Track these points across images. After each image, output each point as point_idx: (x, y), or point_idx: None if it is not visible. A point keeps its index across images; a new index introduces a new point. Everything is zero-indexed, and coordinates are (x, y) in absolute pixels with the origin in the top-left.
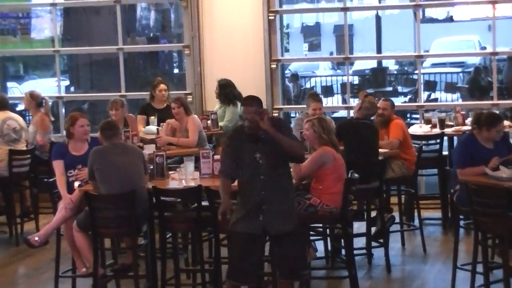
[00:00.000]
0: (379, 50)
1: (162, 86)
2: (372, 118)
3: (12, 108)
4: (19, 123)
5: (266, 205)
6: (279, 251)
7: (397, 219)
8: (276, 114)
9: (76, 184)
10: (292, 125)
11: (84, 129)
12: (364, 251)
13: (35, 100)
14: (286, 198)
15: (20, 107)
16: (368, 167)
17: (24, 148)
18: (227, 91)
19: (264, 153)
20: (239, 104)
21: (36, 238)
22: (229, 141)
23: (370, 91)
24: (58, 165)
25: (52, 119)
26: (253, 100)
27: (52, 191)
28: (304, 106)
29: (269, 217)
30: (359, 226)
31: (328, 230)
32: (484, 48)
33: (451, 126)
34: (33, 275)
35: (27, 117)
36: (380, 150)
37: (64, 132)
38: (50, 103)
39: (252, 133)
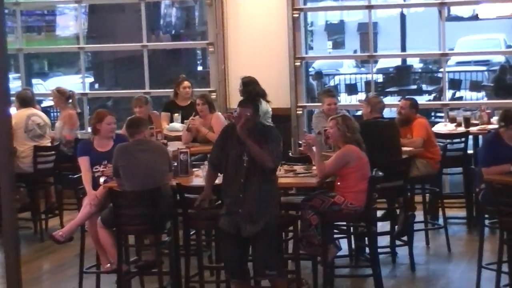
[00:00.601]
0: (403, 48)
1: (186, 83)
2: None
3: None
4: (43, 118)
5: (242, 208)
6: (252, 250)
7: (422, 218)
8: (300, 112)
9: (102, 179)
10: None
11: (111, 126)
12: (388, 249)
13: (63, 96)
14: (262, 203)
15: (45, 103)
16: (391, 165)
17: (49, 144)
18: (250, 89)
19: (249, 156)
20: (263, 101)
21: (61, 234)
22: (222, 134)
23: (394, 89)
24: (83, 162)
25: (79, 110)
26: (247, 102)
27: (77, 188)
28: None
29: (243, 219)
30: (383, 225)
31: (352, 228)
32: (510, 46)
33: (476, 124)
34: (57, 271)
35: (52, 114)
36: (404, 148)
37: (89, 129)
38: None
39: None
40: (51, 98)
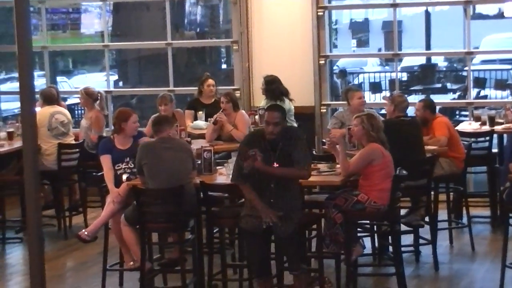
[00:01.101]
0: (428, 46)
1: (210, 81)
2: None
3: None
4: (67, 116)
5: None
6: (284, 246)
7: (445, 217)
8: (324, 110)
9: (124, 177)
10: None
11: (136, 125)
12: (411, 248)
13: (91, 97)
14: (293, 205)
15: (70, 101)
16: (415, 164)
17: (73, 142)
18: (273, 87)
19: (281, 162)
20: (286, 100)
21: (86, 233)
22: (247, 147)
23: (418, 88)
24: (105, 160)
25: (106, 113)
26: (277, 108)
27: (100, 185)
28: None
29: (277, 221)
30: None
31: (375, 227)
32: None
33: (501, 123)
34: (81, 268)
35: (76, 111)
36: (428, 147)
37: (112, 127)
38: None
39: (272, 139)
40: (76, 96)
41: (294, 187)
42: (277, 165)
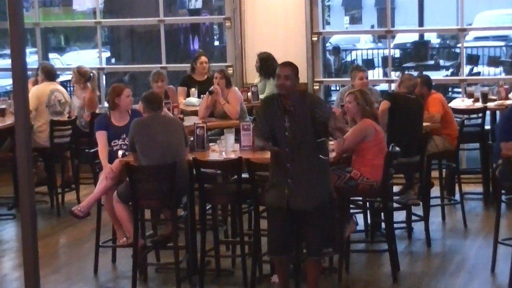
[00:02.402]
0: (421, 23)
1: (203, 58)
2: None
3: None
4: (65, 96)
5: (291, 179)
6: (303, 228)
7: (438, 194)
8: (317, 88)
9: (120, 153)
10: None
11: (130, 99)
12: (404, 225)
13: (83, 77)
14: (312, 175)
15: (62, 78)
16: (410, 141)
17: (65, 119)
18: (267, 65)
19: (290, 125)
20: None
21: (80, 209)
22: (262, 108)
23: (411, 64)
24: (101, 136)
25: (98, 93)
26: (289, 64)
27: (93, 162)
28: (346, 79)
29: (293, 191)
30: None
31: (368, 203)
32: None
33: (494, 100)
34: (74, 245)
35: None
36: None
37: (106, 104)
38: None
39: (283, 94)
40: (68, 73)
41: (314, 159)
42: (289, 128)
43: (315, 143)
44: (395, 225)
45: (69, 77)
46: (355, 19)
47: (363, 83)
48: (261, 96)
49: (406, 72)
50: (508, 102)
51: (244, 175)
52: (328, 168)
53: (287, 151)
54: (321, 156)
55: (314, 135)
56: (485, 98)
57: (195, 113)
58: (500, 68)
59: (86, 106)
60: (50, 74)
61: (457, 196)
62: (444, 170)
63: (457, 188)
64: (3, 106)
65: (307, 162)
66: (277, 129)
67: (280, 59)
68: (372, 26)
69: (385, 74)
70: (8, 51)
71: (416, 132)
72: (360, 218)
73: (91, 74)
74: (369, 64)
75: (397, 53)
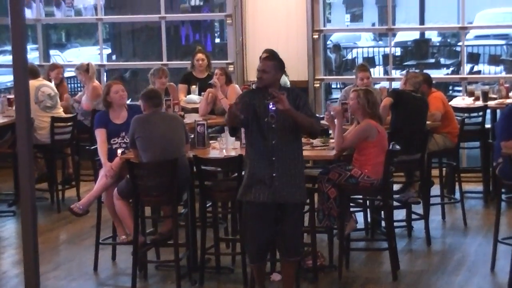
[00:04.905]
0: (422, 21)
1: (200, 55)
2: None
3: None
4: (53, 89)
5: (277, 172)
6: (282, 227)
7: (438, 192)
8: (317, 85)
9: (119, 151)
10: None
11: (119, 94)
12: (404, 223)
13: (82, 69)
14: (296, 170)
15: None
16: (411, 138)
17: (64, 115)
18: None
19: (278, 116)
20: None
21: (79, 206)
22: (249, 93)
23: (412, 63)
24: (100, 133)
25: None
26: (271, 58)
27: (94, 159)
28: (347, 77)
29: (278, 186)
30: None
31: (368, 201)
32: None
33: (495, 98)
34: (74, 241)
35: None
36: None
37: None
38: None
39: (260, 87)
40: (69, 70)
41: (297, 151)
42: (274, 120)
43: (299, 137)
44: (395, 223)
45: (70, 74)
46: (356, 17)
47: (363, 84)
48: None
49: (411, 70)
50: (508, 100)
51: None
52: (304, 165)
53: (274, 144)
54: (300, 150)
55: (297, 130)
56: (485, 96)
57: (195, 110)
58: (501, 67)
59: (90, 96)
60: (32, 71)
61: (457, 195)
62: (444, 168)
63: (457, 187)
64: (11, 96)
65: (293, 156)
66: (262, 119)
67: (281, 56)
68: (373, 24)
69: (385, 72)
70: (9, 47)
71: (418, 130)
72: (360, 216)
73: (87, 65)
74: (370, 62)
75: (398, 51)
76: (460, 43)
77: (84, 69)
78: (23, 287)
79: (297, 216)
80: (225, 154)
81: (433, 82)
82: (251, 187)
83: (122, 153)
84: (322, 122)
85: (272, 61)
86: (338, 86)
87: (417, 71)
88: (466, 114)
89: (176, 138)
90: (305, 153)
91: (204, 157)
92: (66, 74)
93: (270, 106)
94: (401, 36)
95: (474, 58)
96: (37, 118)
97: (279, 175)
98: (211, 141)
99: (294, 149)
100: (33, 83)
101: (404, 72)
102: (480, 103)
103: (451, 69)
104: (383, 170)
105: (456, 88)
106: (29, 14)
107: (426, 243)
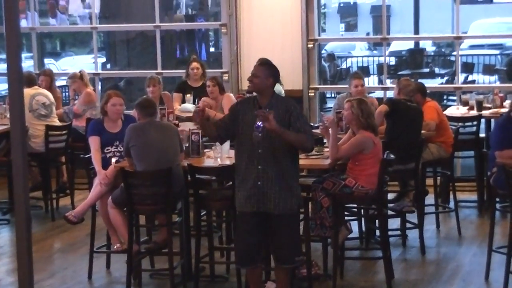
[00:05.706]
0: (416, 31)
1: (194, 64)
2: None
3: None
4: (48, 98)
5: (262, 181)
6: (273, 234)
7: (433, 201)
8: (312, 94)
9: (113, 160)
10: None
11: (116, 108)
12: (398, 232)
13: (76, 77)
14: (284, 179)
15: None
16: (406, 147)
17: (58, 123)
18: None
19: (263, 134)
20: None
21: (74, 215)
22: (236, 104)
23: (406, 72)
24: (93, 141)
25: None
26: (264, 64)
27: (88, 167)
28: (341, 86)
29: (263, 195)
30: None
31: (362, 210)
32: None
33: (489, 108)
34: (68, 250)
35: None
36: None
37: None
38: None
39: (250, 91)
40: (63, 78)
41: (288, 162)
42: (261, 131)
43: (288, 148)
44: (390, 233)
45: (63, 83)
46: (351, 26)
47: (357, 91)
48: None
49: (402, 78)
50: (502, 110)
51: None
52: (298, 175)
53: (260, 152)
54: (293, 159)
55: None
56: (480, 106)
57: (190, 119)
58: (495, 76)
59: (82, 101)
60: (28, 80)
61: (452, 204)
62: (438, 177)
63: (451, 196)
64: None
65: (280, 166)
66: (248, 128)
67: (276, 66)
68: (368, 34)
69: (380, 82)
70: (4, 56)
71: (413, 139)
72: (354, 225)
73: (80, 73)
74: (364, 71)
75: (392, 60)
76: (454, 53)
77: (78, 77)
78: None
79: (286, 225)
80: (219, 163)
81: (428, 91)
82: (238, 193)
83: (116, 161)
84: (317, 131)
85: (264, 66)
86: (333, 95)
87: (407, 78)
88: (460, 124)
89: (171, 147)
90: (299, 162)
91: (199, 166)
92: (61, 83)
93: (259, 124)
94: (395, 46)
95: (468, 67)
96: (31, 127)
97: (263, 184)
98: (205, 150)
99: (282, 159)
100: (28, 91)
101: (393, 80)
102: (474, 112)
103: (445, 78)
104: (377, 180)
105: (451, 97)
106: (24, 23)
107: (420, 252)
